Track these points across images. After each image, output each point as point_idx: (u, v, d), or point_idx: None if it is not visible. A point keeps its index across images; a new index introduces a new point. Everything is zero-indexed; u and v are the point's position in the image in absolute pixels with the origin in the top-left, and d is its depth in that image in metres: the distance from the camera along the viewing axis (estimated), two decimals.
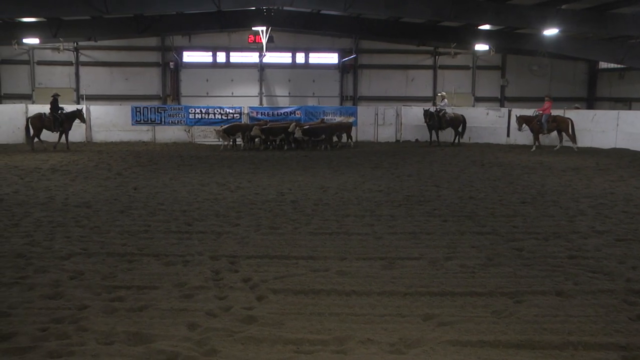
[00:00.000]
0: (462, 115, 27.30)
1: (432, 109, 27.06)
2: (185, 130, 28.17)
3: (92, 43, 29.93)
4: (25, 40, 27.60)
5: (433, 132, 27.01)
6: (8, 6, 21.02)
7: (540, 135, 25.14)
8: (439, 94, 28.56)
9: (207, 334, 5.81)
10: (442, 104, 27.14)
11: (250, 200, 13.10)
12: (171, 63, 30.57)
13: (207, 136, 28.05)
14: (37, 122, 23.76)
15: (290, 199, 13.17)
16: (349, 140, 26.60)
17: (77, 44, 30.09)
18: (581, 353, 5.51)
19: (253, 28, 28.51)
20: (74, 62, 30.29)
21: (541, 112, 24.86)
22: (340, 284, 7.31)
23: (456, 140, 27.17)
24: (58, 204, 12.50)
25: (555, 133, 25.16)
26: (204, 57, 31.46)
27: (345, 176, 16.94)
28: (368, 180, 16.24)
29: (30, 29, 26.35)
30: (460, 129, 27.06)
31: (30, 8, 21.60)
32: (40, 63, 30.11)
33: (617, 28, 21.74)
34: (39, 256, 8.46)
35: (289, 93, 32.13)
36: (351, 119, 28.28)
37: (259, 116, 28.20)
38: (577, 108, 29.60)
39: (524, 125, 25.21)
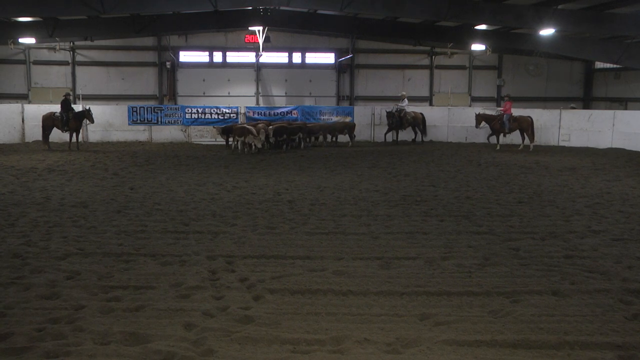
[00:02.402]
0: (421, 114, 27.86)
1: (393, 109, 27.42)
2: (181, 130, 28.15)
3: (88, 43, 29.89)
4: (21, 40, 27.52)
5: (395, 131, 27.66)
6: (4, 6, 20.97)
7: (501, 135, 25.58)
8: (400, 94, 28.67)
9: (203, 334, 5.80)
10: (402, 104, 27.31)
11: (247, 200, 13.09)
12: (168, 63, 30.51)
13: (204, 136, 28.04)
14: (48, 121, 24.23)
15: (287, 199, 13.16)
16: (351, 140, 26.73)
17: (73, 43, 30.04)
18: (577, 352, 5.52)
19: (250, 28, 28.52)
20: (70, 61, 30.24)
21: (502, 111, 25.09)
22: (337, 283, 7.31)
23: (417, 139, 27.91)
24: (54, 204, 12.48)
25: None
26: (201, 57, 31.43)
27: (341, 176, 16.94)
28: (365, 180, 16.25)
29: (26, 29, 26.28)
30: (421, 127, 27.74)
31: (27, 7, 21.54)
32: (36, 63, 30.05)
33: (613, 28, 21.78)
34: (35, 256, 8.44)
35: (286, 93, 32.11)
36: (348, 119, 28.30)
37: (256, 116, 28.19)
38: (573, 108, 29.70)
39: (482, 123, 25.52)
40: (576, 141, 26.32)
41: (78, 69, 30.48)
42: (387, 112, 27.40)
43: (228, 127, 24.93)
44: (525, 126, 25.09)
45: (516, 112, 27.01)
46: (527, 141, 25.20)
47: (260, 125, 24.31)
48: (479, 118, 25.60)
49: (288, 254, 8.66)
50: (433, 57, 32.75)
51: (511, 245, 9.29)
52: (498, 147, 25.18)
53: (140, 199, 13.08)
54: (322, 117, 28.47)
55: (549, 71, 33.51)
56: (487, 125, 25.64)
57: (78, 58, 30.40)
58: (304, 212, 11.78)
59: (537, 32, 25.14)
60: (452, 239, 9.69)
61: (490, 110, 28.04)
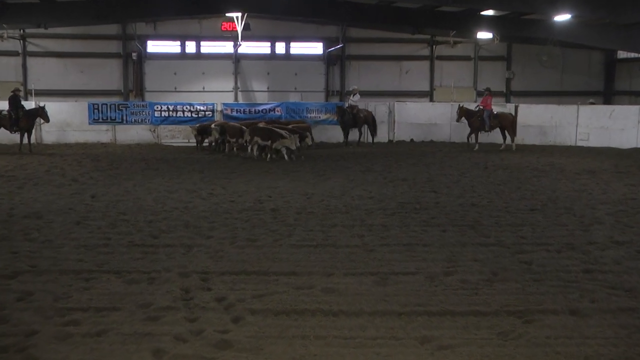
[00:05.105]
0: (371, 113, 27.98)
1: (345, 105, 27.63)
2: (150, 130, 28.06)
3: (41, 30, 29.79)
4: None
5: (350, 130, 27.55)
6: None
7: (481, 133, 25.75)
8: (351, 88, 28.78)
9: None
10: (354, 99, 27.43)
11: (225, 208, 13.07)
12: (134, 54, 30.50)
13: (175, 136, 27.96)
14: None
15: (269, 207, 13.15)
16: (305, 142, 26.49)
17: (24, 31, 29.92)
18: None
19: (227, 14, 28.49)
20: (20, 52, 30.13)
21: (482, 107, 25.27)
22: (326, 303, 7.31)
23: (362, 139, 27.98)
24: (2, 214, 12.39)
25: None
26: (172, 47, 31.45)
27: (331, 181, 16.96)
28: (357, 185, 16.27)
29: None
30: (371, 127, 27.89)
31: None
32: None
33: (637, 13, 21.91)
34: None
35: (268, 87, 32.17)
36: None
37: (235, 114, 28.15)
38: (593, 103, 29.88)
39: (462, 118, 25.77)
40: (596, 141, 26.47)
41: (30, 60, 30.38)
42: (338, 108, 27.32)
43: (222, 126, 24.48)
44: (507, 124, 25.36)
45: (527, 108, 27.25)
46: (508, 140, 25.54)
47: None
48: (461, 112, 25.75)
49: (271, 269, 8.65)
50: (434, 46, 32.93)
51: (523, 258, 9.32)
52: (476, 148, 25.25)
53: (103, 209, 13.02)
54: (309, 115, 28.49)
55: (565, 62, 33.74)
56: (467, 121, 25.78)
57: (30, 48, 30.30)
58: (289, 222, 11.78)
59: (550, 18, 25.31)
60: (456, 251, 9.71)
61: (499, 105, 28.19)
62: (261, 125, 23.23)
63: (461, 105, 26.09)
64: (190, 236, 10.63)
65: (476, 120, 25.35)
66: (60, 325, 6.67)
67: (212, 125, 24.55)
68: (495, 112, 25.41)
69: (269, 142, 21.51)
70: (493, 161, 21.60)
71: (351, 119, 27.07)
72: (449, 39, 32.36)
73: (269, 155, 21.47)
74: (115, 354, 5.93)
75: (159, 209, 13.00)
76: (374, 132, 27.94)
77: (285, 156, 21.33)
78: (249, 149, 22.13)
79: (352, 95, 27.63)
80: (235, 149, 23.40)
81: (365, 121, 27.59)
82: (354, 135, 27.67)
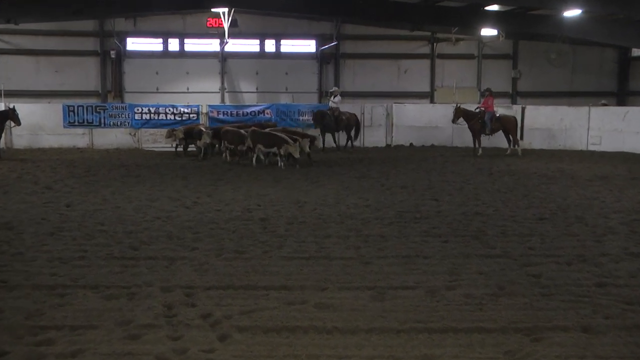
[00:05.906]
0: (355, 115, 27.90)
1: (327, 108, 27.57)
2: (130, 134, 28.02)
3: (12, 26, 29.63)
4: None
5: (330, 134, 27.32)
6: None
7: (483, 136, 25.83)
8: (332, 89, 28.73)
9: None
10: (334, 100, 27.41)
11: (210, 218, 13.06)
12: (112, 52, 30.46)
13: (157, 141, 27.90)
14: None
15: (259, 217, 13.15)
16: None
17: None
18: None
19: (212, 9, 28.49)
20: None
21: (483, 108, 25.30)
22: (320, 319, 7.30)
23: (349, 144, 27.80)
24: None
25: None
26: (153, 44, 31.43)
27: (325, 188, 16.97)
28: (353, 193, 16.29)
29: None
30: (353, 131, 27.76)
31: None
32: None
33: None
34: None
35: (257, 88, 32.17)
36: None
37: (221, 116, 28.13)
38: (605, 104, 29.94)
39: (460, 119, 25.80)
40: (609, 145, 26.55)
41: None
42: (317, 112, 27.18)
43: (214, 130, 24.28)
44: (510, 127, 25.45)
45: (535, 110, 27.33)
46: (513, 144, 25.65)
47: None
48: (458, 112, 25.75)
49: (260, 283, 8.64)
50: (434, 44, 33.01)
51: (531, 271, 9.33)
52: (479, 152, 25.27)
53: (79, 219, 12.99)
54: (301, 118, 28.51)
55: (575, 60, 33.85)
56: (465, 123, 25.80)
57: None
58: (280, 232, 11.78)
59: (560, 14, 25.40)
60: (459, 263, 9.72)
61: (504, 107, 28.26)
62: (254, 129, 23.09)
63: (458, 105, 26.10)
64: (173, 248, 10.61)
65: (477, 122, 25.36)
66: (32, 345, 6.64)
67: (203, 129, 24.31)
68: (497, 115, 25.47)
69: (274, 148, 21.29)
70: (498, 167, 21.65)
71: (332, 122, 26.95)
72: (450, 36, 32.42)
73: (279, 163, 21.25)
74: None
75: (140, 219, 12.97)
76: (355, 136, 27.86)
77: (280, 163, 21.28)
78: (252, 156, 21.84)
79: (332, 97, 27.58)
80: (225, 154, 23.16)
81: (348, 124, 27.50)
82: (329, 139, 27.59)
